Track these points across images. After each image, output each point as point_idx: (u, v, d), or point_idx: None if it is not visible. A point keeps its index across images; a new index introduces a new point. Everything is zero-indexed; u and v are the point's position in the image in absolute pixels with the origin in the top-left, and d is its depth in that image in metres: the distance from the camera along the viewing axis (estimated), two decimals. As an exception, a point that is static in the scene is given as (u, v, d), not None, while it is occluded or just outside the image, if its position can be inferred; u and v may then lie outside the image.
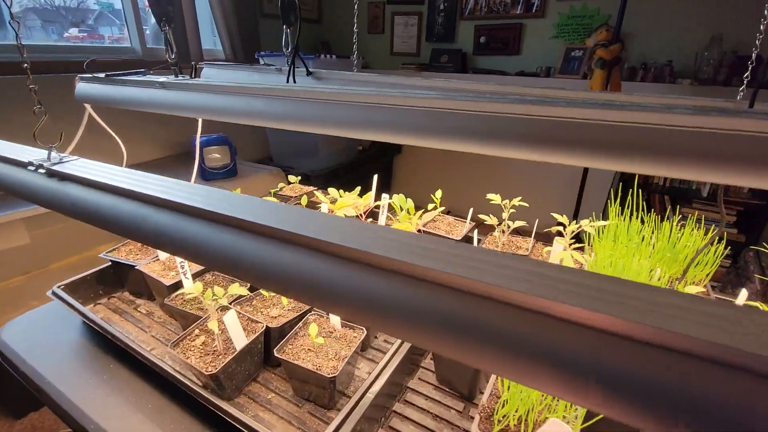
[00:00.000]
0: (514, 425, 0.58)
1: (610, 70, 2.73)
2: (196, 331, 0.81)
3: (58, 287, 0.98)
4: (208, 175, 2.37)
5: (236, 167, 2.49)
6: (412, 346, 0.81)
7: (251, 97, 0.64)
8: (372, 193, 1.28)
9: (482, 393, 0.80)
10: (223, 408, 0.67)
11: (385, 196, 1.26)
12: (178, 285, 0.94)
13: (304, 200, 1.30)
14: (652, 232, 0.91)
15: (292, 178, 1.53)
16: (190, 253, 0.43)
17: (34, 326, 1.00)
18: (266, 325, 0.80)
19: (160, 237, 0.45)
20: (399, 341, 0.80)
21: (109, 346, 0.93)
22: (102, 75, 0.88)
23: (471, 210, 1.20)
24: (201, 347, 0.77)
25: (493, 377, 0.66)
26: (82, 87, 0.91)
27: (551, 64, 3.28)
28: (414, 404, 0.78)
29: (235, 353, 0.74)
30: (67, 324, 1.00)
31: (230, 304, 0.86)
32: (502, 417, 0.57)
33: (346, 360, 0.73)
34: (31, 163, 0.60)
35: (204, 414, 0.76)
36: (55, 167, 0.57)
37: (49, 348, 0.93)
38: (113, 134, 1.02)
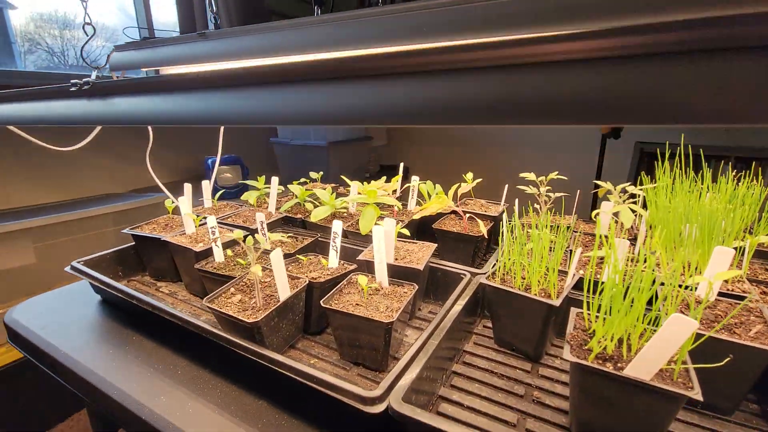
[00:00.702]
0: (612, 349, 0.50)
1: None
2: (232, 290, 0.74)
3: (78, 262, 0.91)
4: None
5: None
6: (463, 310, 0.73)
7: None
8: (399, 178, 1.25)
9: (548, 354, 0.72)
10: (269, 356, 0.60)
11: (414, 177, 1.23)
12: (207, 253, 0.88)
13: (331, 199, 1.26)
14: (708, 190, 0.87)
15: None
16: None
17: (47, 306, 0.92)
18: (308, 280, 0.74)
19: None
20: (445, 310, 0.73)
21: (130, 321, 0.85)
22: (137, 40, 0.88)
23: (506, 187, 1.16)
24: (238, 304, 0.70)
25: (573, 313, 0.60)
26: (117, 56, 0.90)
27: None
28: (475, 365, 0.70)
29: (278, 304, 0.67)
30: (84, 303, 0.93)
31: (263, 271, 0.80)
32: (602, 338, 0.50)
33: (401, 309, 0.66)
34: (81, 83, 0.58)
35: (240, 372, 0.68)
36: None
37: (65, 325, 0.85)
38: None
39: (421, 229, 1.12)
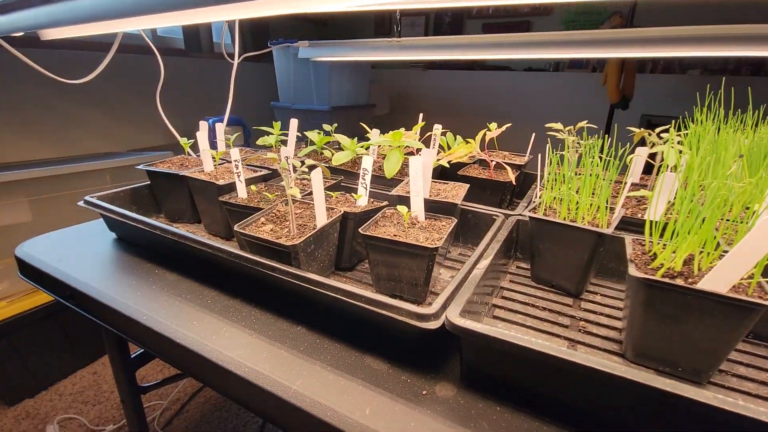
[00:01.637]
0: (682, 265, 0.48)
1: (624, 60, 2.75)
2: (262, 219, 0.70)
3: (92, 197, 0.87)
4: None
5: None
6: (499, 252, 0.70)
7: None
8: (420, 126, 1.20)
9: (588, 291, 0.70)
10: (313, 278, 0.57)
11: (437, 126, 1.19)
12: (230, 189, 0.84)
13: (352, 144, 1.21)
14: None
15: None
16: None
17: (59, 242, 0.88)
18: (344, 211, 0.70)
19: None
20: (485, 244, 0.70)
21: (149, 255, 0.82)
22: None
23: (533, 135, 1.13)
24: (270, 233, 0.67)
25: (629, 240, 0.57)
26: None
27: (560, 60, 3.31)
28: (514, 299, 0.68)
29: (315, 230, 0.64)
30: (98, 240, 0.89)
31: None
32: (672, 253, 0.47)
33: (444, 238, 0.63)
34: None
35: (273, 300, 0.65)
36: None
37: (82, 258, 0.81)
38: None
39: (444, 179, 1.09)
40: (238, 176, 0.82)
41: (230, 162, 1.01)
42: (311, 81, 2.47)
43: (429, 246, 0.59)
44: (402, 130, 1.16)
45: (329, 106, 2.51)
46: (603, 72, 2.85)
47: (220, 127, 1.10)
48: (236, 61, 1.40)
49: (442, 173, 1.07)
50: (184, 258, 0.76)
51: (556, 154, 0.76)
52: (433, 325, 0.48)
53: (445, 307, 0.51)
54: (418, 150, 1.21)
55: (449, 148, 1.23)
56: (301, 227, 0.68)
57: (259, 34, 3.15)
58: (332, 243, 0.70)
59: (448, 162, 1.00)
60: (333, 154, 1.19)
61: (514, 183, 0.98)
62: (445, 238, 0.63)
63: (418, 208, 0.73)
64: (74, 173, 1.69)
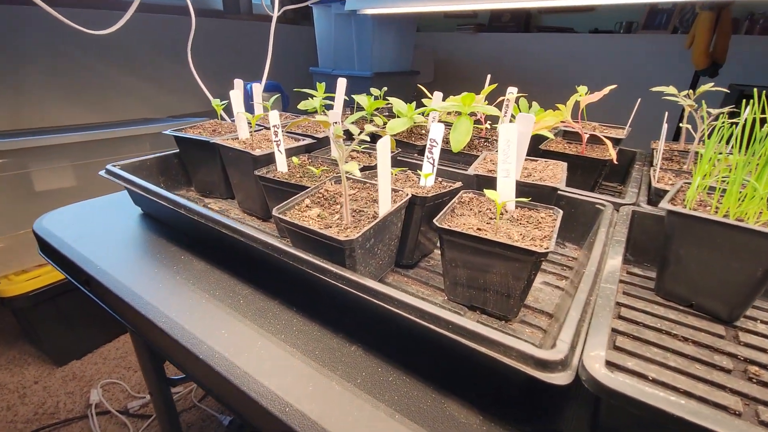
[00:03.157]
0: None
1: (719, 13, 2.32)
2: (307, 201, 0.56)
3: (114, 166, 0.75)
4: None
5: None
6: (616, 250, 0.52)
7: None
8: (489, 89, 0.99)
9: (747, 316, 0.51)
10: (377, 289, 0.41)
11: (511, 89, 0.98)
12: (268, 160, 0.69)
13: (410, 109, 1.03)
14: None
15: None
16: None
17: (81, 215, 0.78)
18: (411, 194, 0.54)
19: None
20: (599, 251, 0.52)
21: (176, 237, 0.70)
22: None
23: (638, 102, 0.90)
24: (317, 219, 0.52)
25: None
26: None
27: (633, 19, 2.88)
28: (639, 322, 0.50)
29: (377, 220, 0.48)
30: (123, 215, 0.78)
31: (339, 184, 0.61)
32: None
33: (552, 238, 0.46)
34: None
35: (321, 307, 0.51)
36: None
37: (102, 237, 0.70)
38: None
39: None
40: (278, 145, 0.67)
41: (268, 129, 0.87)
42: (353, 44, 2.28)
43: (536, 249, 0.42)
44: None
45: (371, 71, 2.31)
46: (690, 32, 2.44)
47: (258, 89, 0.95)
48: (275, 16, 1.23)
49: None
50: (213, 243, 0.63)
51: (707, 128, 0.55)
52: (561, 378, 0.32)
53: (574, 348, 0.34)
54: (488, 118, 1.01)
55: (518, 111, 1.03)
56: (357, 213, 0.53)
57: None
58: (395, 235, 0.54)
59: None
60: (385, 122, 1.02)
61: (615, 161, 0.77)
62: (555, 239, 0.46)
63: (507, 193, 0.55)
64: (115, 138, 1.63)
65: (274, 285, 0.56)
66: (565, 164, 0.67)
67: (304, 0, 1.88)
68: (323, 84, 1.04)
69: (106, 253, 0.65)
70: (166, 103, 2.20)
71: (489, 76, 1.12)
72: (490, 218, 0.54)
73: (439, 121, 1.08)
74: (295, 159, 0.69)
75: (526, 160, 0.71)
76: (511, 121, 1.02)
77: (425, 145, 0.88)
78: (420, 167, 0.65)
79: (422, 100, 1.12)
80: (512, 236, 0.48)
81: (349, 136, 0.96)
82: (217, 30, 2.49)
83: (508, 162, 0.54)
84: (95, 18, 1.34)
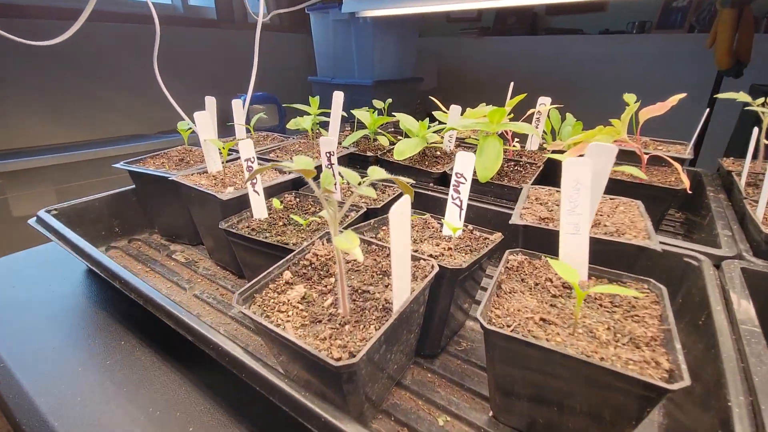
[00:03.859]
0: None
1: (741, 10, 2.15)
2: (287, 275, 0.38)
3: (48, 212, 0.59)
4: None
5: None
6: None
7: None
8: (517, 100, 0.82)
9: None
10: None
11: (543, 100, 0.81)
12: (242, 202, 0.52)
13: (422, 128, 0.86)
14: None
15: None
16: None
17: (9, 273, 0.61)
18: (437, 265, 0.37)
19: None
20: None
21: (123, 309, 0.53)
22: None
23: (705, 113, 0.73)
24: (300, 306, 0.35)
25: None
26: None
27: (646, 18, 2.71)
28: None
29: (391, 319, 0.31)
30: (64, 272, 0.61)
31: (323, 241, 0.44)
32: None
33: (678, 350, 0.29)
34: None
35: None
36: None
37: (26, 306, 0.53)
38: None
39: (548, 176, 0.72)
40: (253, 184, 0.50)
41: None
42: (353, 51, 2.13)
43: (661, 384, 0.25)
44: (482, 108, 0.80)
45: (373, 79, 2.16)
46: (712, 30, 2.27)
47: (238, 105, 0.79)
48: (260, 21, 1.07)
49: (546, 168, 0.70)
50: (164, 327, 0.46)
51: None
52: None
53: None
54: (515, 137, 0.84)
55: (553, 131, 0.86)
56: (359, 296, 0.36)
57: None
58: (416, 325, 0.37)
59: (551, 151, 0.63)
60: (391, 142, 0.85)
61: (689, 190, 0.59)
62: (679, 350, 0.28)
63: (578, 258, 0.38)
64: (100, 158, 1.45)
65: (249, 403, 0.39)
66: (640, 204, 0.50)
67: (299, 3, 1.73)
68: (317, 98, 0.87)
69: (24, 334, 0.48)
70: (157, 118, 2.05)
71: (512, 84, 0.95)
72: (554, 296, 0.37)
73: (458, 145, 0.92)
74: (276, 202, 0.52)
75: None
76: (544, 140, 0.85)
77: (442, 173, 0.71)
78: (436, 202, 0.48)
79: (433, 113, 0.95)
80: (599, 335, 0.31)
81: (352, 160, 0.79)
82: (210, 40, 2.35)
83: (578, 213, 0.37)
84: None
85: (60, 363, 0.44)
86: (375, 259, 0.40)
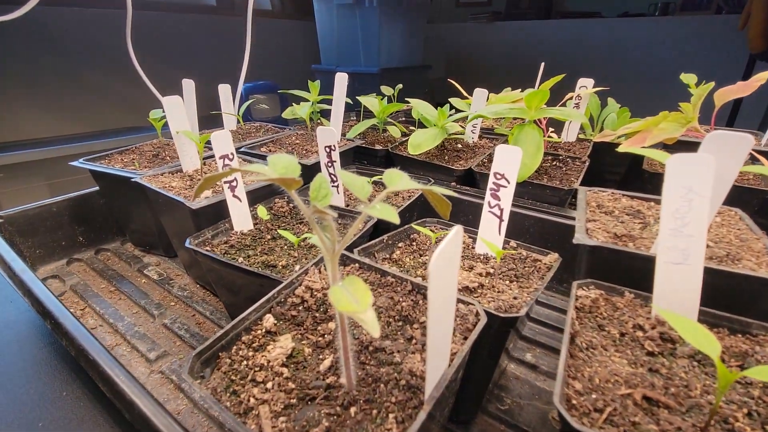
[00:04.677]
0: None
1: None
2: (271, 321, 0.27)
3: (-10, 219, 0.48)
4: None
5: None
6: None
7: None
8: (552, 82, 0.70)
9: None
10: None
11: (584, 81, 0.69)
12: (218, 212, 0.41)
13: (442, 115, 0.74)
14: None
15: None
16: None
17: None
18: (483, 311, 0.25)
19: None
20: None
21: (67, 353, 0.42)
22: None
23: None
24: (285, 371, 0.24)
25: None
26: None
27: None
28: None
29: (421, 416, 0.19)
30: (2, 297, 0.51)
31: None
32: None
33: None
34: None
35: None
36: None
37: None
38: None
39: (595, 173, 0.60)
40: (233, 189, 0.39)
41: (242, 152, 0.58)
42: (358, 38, 2.01)
43: None
44: (510, 92, 0.68)
45: (378, 67, 2.04)
46: (744, 11, 2.10)
47: (225, 91, 0.67)
48: (250, 6, 0.95)
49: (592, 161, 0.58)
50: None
51: None
52: None
53: None
54: (547, 123, 0.71)
55: (592, 120, 0.73)
56: (368, 356, 0.25)
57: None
58: (451, 400, 0.26)
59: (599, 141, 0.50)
60: (403, 133, 0.73)
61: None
62: None
63: (688, 297, 0.26)
64: (96, 151, 1.34)
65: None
66: (741, 212, 0.38)
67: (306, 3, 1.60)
68: (317, 83, 0.76)
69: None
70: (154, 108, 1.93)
71: (542, 65, 0.83)
72: (651, 353, 0.25)
73: (482, 136, 0.80)
74: (262, 210, 0.41)
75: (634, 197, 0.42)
76: (583, 129, 0.72)
77: (467, 170, 0.59)
78: (461, 206, 0.37)
79: (450, 100, 0.83)
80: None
81: (358, 154, 0.67)
82: (209, 28, 2.23)
83: (689, 234, 0.25)
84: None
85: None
86: (392, 298, 0.29)
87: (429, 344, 0.19)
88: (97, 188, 0.57)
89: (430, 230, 0.40)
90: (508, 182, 0.36)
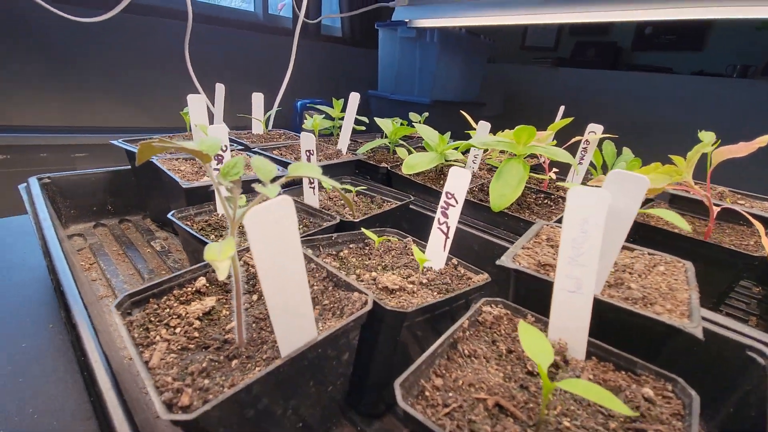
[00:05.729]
0: None
1: None
2: (203, 281, 0.32)
3: (39, 179, 0.58)
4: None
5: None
6: None
7: None
8: (562, 124, 0.70)
9: None
10: None
11: (593, 127, 0.69)
12: (209, 195, 0.47)
13: (441, 141, 0.77)
14: None
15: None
16: None
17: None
18: (369, 300, 0.28)
19: None
20: None
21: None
22: None
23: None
24: (196, 323, 0.28)
25: None
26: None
27: (751, 63, 2.39)
28: None
29: (279, 364, 0.22)
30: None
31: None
32: None
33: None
34: None
35: None
36: None
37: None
38: None
39: None
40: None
41: (244, 148, 0.65)
42: (416, 69, 2.11)
43: None
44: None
45: (430, 99, 2.11)
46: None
47: (257, 99, 0.76)
48: (298, 29, 1.06)
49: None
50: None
51: None
52: None
53: None
54: (550, 165, 0.72)
55: (604, 166, 0.72)
56: (267, 326, 0.28)
57: (371, 16, 2.87)
58: (333, 376, 0.28)
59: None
60: (411, 152, 0.77)
61: (772, 260, 0.44)
62: None
63: (577, 325, 0.27)
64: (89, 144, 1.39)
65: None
66: (689, 267, 0.37)
67: (371, 31, 1.73)
68: (341, 101, 0.82)
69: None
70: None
71: (562, 108, 0.84)
72: (530, 373, 0.26)
73: (485, 160, 0.82)
74: (242, 199, 0.46)
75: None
76: (592, 174, 0.72)
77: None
78: (429, 222, 0.39)
79: (467, 132, 0.86)
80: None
81: (361, 168, 0.71)
82: (282, 48, 2.44)
83: (582, 264, 0.26)
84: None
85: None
86: (309, 281, 0.32)
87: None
88: (129, 167, 0.66)
89: (386, 238, 0.43)
90: (457, 202, 0.39)
